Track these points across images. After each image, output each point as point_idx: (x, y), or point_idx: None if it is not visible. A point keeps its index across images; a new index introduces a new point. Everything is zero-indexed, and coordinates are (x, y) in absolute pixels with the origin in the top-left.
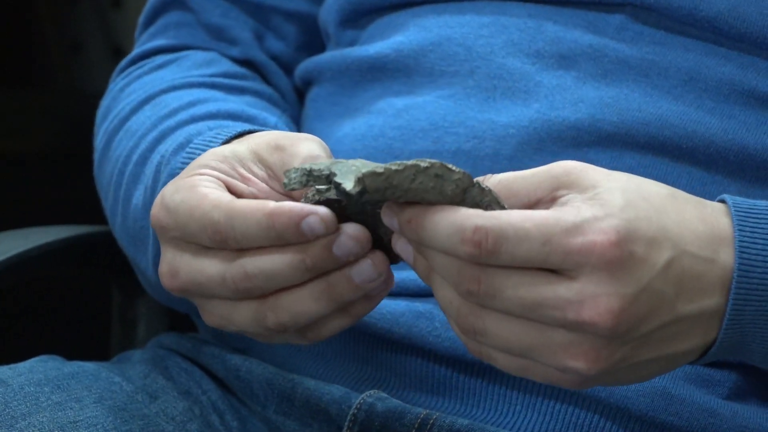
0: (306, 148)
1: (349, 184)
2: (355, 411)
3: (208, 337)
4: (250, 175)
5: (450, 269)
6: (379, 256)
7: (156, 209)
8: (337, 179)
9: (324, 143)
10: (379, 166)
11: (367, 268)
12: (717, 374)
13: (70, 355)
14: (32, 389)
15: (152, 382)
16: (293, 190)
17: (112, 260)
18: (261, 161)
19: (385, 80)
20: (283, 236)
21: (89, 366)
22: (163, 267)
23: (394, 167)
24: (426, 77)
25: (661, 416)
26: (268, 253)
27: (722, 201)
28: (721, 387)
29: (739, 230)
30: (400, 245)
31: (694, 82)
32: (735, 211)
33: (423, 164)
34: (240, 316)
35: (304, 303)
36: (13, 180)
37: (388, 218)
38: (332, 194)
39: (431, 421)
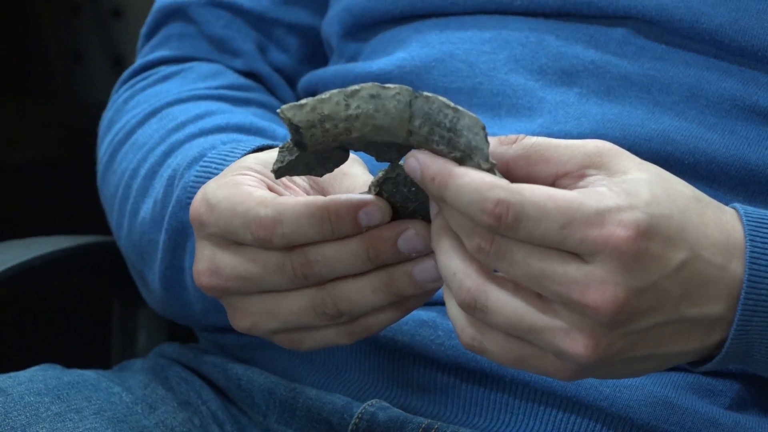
0: (350, 167)
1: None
2: (357, 420)
3: (209, 347)
4: (291, 183)
5: (466, 225)
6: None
7: (197, 204)
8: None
9: (362, 162)
10: (306, 99)
11: (430, 268)
12: (719, 384)
13: (71, 363)
14: (32, 399)
15: (152, 392)
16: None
17: (112, 270)
18: None
19: None
20: (339, 227)
21: (89, 375)
22: (201, 265)
23: (322, 95)
24: None
25: (663, 426)
26: (330, 243)
27: (734, 209)
28: (723, 397)
29: (750, 239)
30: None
31: (696, 98)
32: (747, 220)
33: (351, 88)
34: (291, 306)
35: (363, 293)
36: (14, 189)
37: (412, 168)
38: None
39: (433, 430)
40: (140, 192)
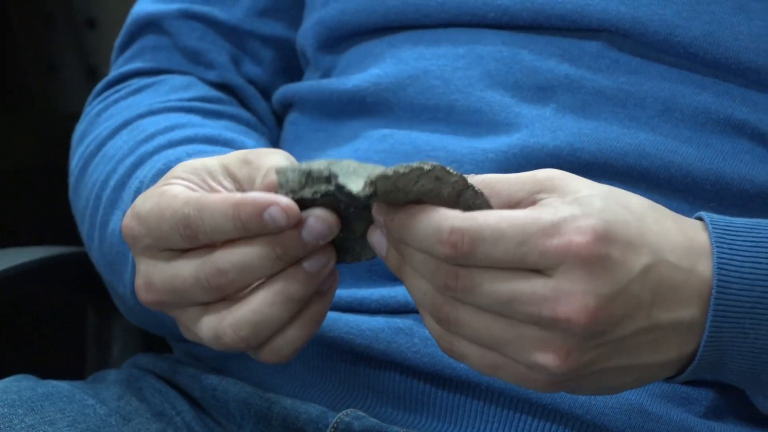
0: (272, 161)
1: (355, 187)
2: (332, 430)
3: (184, 358)
4: (219, 188)
5: (427, 265)
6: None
7: (127, 220)
8: (341, 181)
9: (291, 156)
10: (386, 169)
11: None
12: (694, 392)
13: (46, 374)
14: (5, 411)
15: (126, 404)
16: (292, 191)
17: (87, 281)
18: (230, 175)
19: (369, 113)
20: (249, 227)
21: (63, 386)
22: (138, 280)
23: (401, 170)
24: (408, 112)
25: None
26: (239, 246)
27: (699, 218)
28: (698, 405)
29: (718, 246)
30: (375, 237)
31: (671, 112)
32: (713, 228)
33: (426, 167)
34: (210, 323)
35: (262, 311)
36: None
37: (378, 215)
38: (307, 193)
39: None
40: (110, 204)
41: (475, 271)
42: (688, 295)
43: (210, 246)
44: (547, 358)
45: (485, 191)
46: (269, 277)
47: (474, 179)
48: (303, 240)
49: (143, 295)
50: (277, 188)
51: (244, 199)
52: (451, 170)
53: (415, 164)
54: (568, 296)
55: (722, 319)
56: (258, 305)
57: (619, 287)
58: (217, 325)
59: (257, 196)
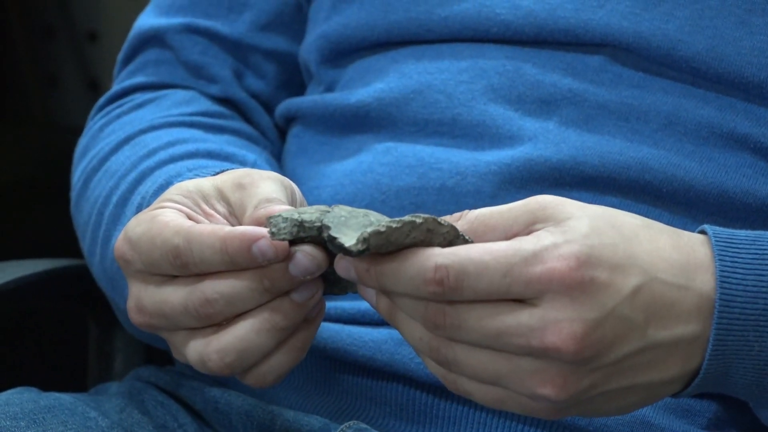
0: (265, 189)
1: (348, 240)
2: None
3: (186, 371)
4: (212, 212)
5: (415, 307)
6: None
7: (119, 243)
8: (333, 233)
9: (286, 181)
10: (379, 225)
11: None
12: (697, 404)
13: (48, 386)
14: (8, 423)
15: (128, 416)
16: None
17: (89, 293)
18: (223, 198)
19: (373, 127)
20: (236, 261)
21: (65, 399)
22: (130, 302)
23: (394, 225)
24: (411, 126)
25: None
26: (227, 277)
27: (702, 232)
28: (700, 417)
29: (720, 259)
30: (361, 289)
31: (674, 126)
32: (715, 240)
33: (418, 220)
34: (189, 355)
35: (249, 338)
36: None
37: (344, 271)
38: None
39: None
40: (112, 220)
41: (460, 307)
42: (686, 311)
43: (200, 275)
44: (545, 389)
45: (480, 228)
46: (257, 306)
47: (467, 217)
48: (290, 275)
49: (134, 317)
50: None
51: (232, 233)
52: (443, 221)
53: (407, 218)
54: (555, 325)
55: (726, 332)
56: (244, 333)
57: (605, 311)
58: (203, 350)
59: (245, 230)
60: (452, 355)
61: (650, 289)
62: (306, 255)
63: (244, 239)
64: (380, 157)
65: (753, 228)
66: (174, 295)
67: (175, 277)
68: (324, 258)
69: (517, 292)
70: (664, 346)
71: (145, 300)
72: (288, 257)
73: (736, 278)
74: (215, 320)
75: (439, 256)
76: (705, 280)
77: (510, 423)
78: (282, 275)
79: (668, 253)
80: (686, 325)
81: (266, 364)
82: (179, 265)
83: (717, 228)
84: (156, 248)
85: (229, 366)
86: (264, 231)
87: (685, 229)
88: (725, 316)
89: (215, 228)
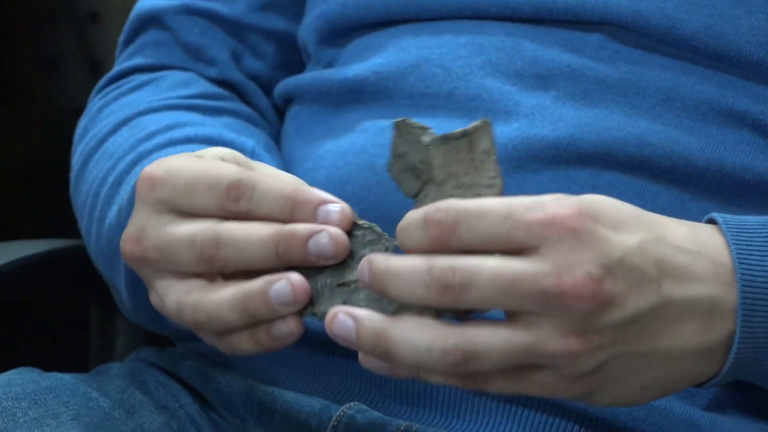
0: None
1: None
2: (335, 423)
3: (187, 352)
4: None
5: (419, 273)
6: (296, 278)
7: (153, 168)
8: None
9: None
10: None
11: (285, 290)
12: None
13: (49, 366)
14: (9, 404)
15: (129, 397)
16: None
17: (90, 274)
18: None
19: (368, 102)
20: (297, 211)
21: (67, 379)
22: (130, 229)
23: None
24: (407, 99)
25: (641, 427)
26: (246, 228)
27: (710, 221)
28: (700, 398)
29: (735, 244)
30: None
31: (672, 102)
32: (727, 227)
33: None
34: (168, 299)
35: (220, 308)
36: None
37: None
38: None
39: None
40: (107, 200)
41: (471, 260)
42: (701, 273)
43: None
44: (565, 345)
45: None
46: (243, 282)
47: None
48: (305, 250)
49: (129, 246)
50: None
51: (305, 189)
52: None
53: None
54: (568, 268)
55: (752, 306)
56: (219, 302)
57: (615, 258)
58: (182, 299)
59: (320, 192)
60: (473, 346)
61: (658, 247)
62: (331, 237)
63: (315, 196)
64: (373, 138)
65: (751, 204)
66: (184, 228)
67: (187, 217)
68: (344, 251)
69: (518, 237)
70: (680, 306)
71: (150, 229)
72: (312, 234)
73: (754, 259)
74: (213, 267)
75: (442, 203)
76: (717, 247)
77: (510, 406)
78: (298, 247)
79: (673, 225)
80: (703, 286)
81: (235, 337)
82: (232, 197)
83: (726, 215)
84: (205, 178)
85: (199, 324)
86: (339, 201)
87: (683, 205)
88: (748, 288)
89: (282, 176)
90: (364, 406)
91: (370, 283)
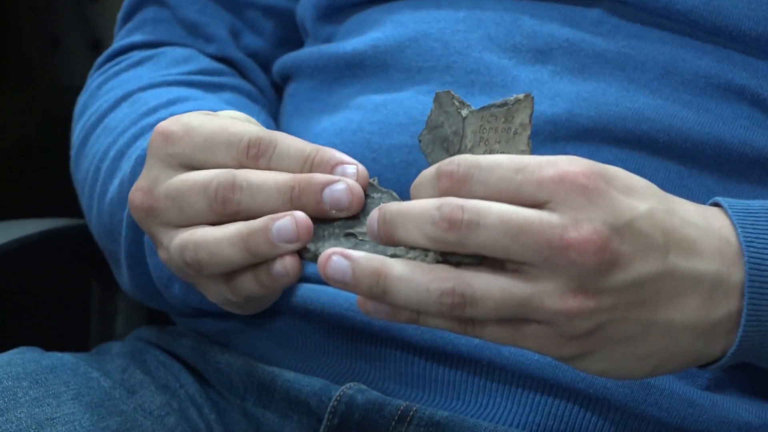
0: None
1: None
2: (335, 403)
3: (187, 331)
4: None
5: (429, 210)
6: (301, 216)
7: (170, 122)
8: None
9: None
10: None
11: (289, 227)
12: None
13: (49, 346)
14: (10, 383)
15: (130, 376)
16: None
17: (91, 253)
18: None
19: (364, 77)
20: (314, 170)
21: (68, 359)
22: (141, 182)
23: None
24: (403, 73)
25: (640, 406)
26: (263, 173)
27: (715, 204)
28: (700, 378)
29: (741, 227)
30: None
31: (671, 76)
32: (732, 211)
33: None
34: (172, 243)
35: (221, 245)
36: None
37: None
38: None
39: (411, 412)
40: (108, 173)
41: (480, 202)
42: (708, 249)
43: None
44: (566, 302)
45: None
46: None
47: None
48: (320, 197)
49: (139, 197)
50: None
51: (323, 149)
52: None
53: None
54: (576, 224)
55: (759, 288)
56: (222, 238)
57: (623, 220)
58: (187, 238)
59: (338, 152)
60: (470, 291)
61: (668, 217)
62: (347, 188)
63: (333, 156)
64: (369, 115)
65: (750, 179)
66: (199, 174)
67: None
68: (358, 203)
69: (528, 191)
70: (685, 279)
71: (161, 180)
72: (329, 183)
73: (761, 242)
74: (225, 211)
75: (455, 157)
76: (724, 226)
77: (508, 386)
78: (314, 194)
79: (681, 201)
80: (707, 262)
81: (237, 279)
82: (252, 155)
83: (730, 199)
84: (226, 135)
85: (199, 262)
86: (356, 163)
87: (682, 181)
88: (756, 272)
89: (301, 141)
90: (363, 386)
91: (379, 229)
